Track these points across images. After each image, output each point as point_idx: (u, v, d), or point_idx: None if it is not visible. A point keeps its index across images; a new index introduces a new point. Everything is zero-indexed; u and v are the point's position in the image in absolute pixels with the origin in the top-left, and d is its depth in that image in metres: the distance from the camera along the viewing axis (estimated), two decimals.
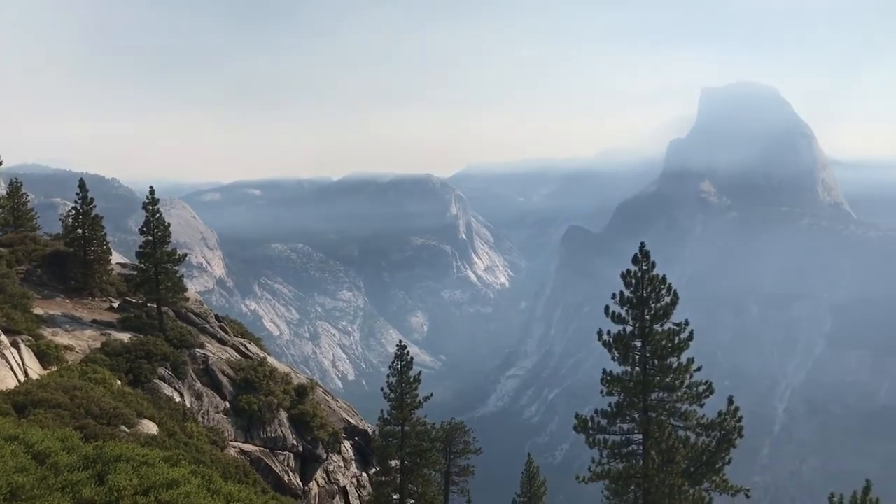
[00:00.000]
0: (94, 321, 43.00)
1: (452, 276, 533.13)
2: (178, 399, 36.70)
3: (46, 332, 37.30)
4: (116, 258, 59.82)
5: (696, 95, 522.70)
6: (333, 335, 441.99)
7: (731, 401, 33.46)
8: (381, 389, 44.61)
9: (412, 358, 45.21)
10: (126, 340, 38.90)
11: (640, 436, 33.91)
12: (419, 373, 45.47)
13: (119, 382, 33.85)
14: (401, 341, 51.40)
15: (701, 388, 33.19)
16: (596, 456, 33.88)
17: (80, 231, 49.42)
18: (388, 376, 44.32)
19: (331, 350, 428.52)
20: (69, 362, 34.60)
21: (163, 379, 37.27)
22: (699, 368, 33.35)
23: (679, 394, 33.14)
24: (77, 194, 49.11)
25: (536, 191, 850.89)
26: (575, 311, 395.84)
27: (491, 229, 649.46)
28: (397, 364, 43.75)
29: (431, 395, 47.11)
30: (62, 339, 37.87)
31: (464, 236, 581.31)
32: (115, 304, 47.95)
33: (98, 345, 38.28)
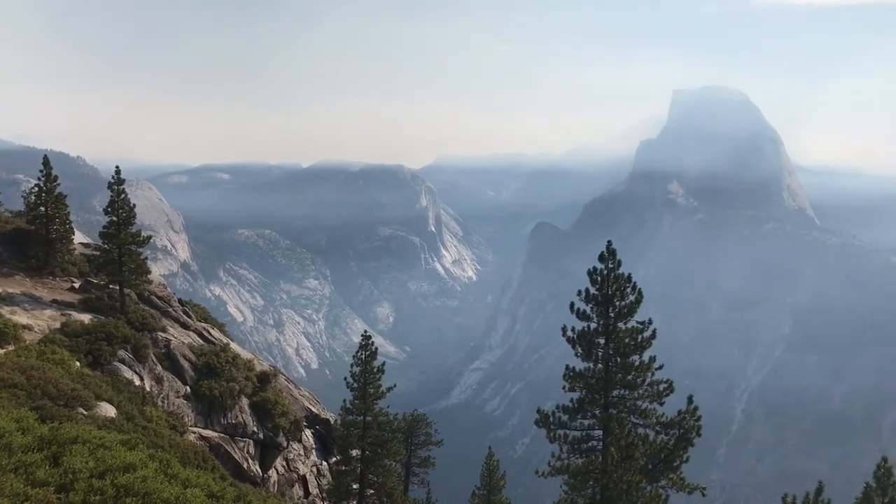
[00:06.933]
0: (55, 301, 42.33)
1: (420, 267, 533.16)
2: (137, 382, 36.25)
3: (5, 311, 36.62)
4: (79, 238, 58.96)
5: (667, 97, 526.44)
6: (298, 323, 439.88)
7: (690, 400, 33.75)
8: (345, 379, 44.53)
9: (377, 348, 45.19)
10: (86, 321, 38.32)
11: (600, 432, 34.13)
12: (383, 363, 45.45)
13: (78, 364, 33.33)
14: (366, 331, 51.35)
15: (662, 387, 33.47)
16: (556, 451, 34.05)
17: (42, 209, 48.53)
18: (351, 366, 44.24)
19: (295, 338, 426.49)
20: (27, 342, 34.00)
21: (123, 362, 36.77)
22: (661, 367, 33.61)
23: (640, 391, 33.39)
24: (41, 171, 48.19)
25: (506, 186, 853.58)
26: (540, 307, 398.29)
27: (460, 222, 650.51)
28: (362, 354, 43.69)
29: (395, 385, 47.17)
30: (20, 318, 37.20)
31: (433, 228, 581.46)
32: (77, 285, 47.22)
33: (57, 325, 37.68)
